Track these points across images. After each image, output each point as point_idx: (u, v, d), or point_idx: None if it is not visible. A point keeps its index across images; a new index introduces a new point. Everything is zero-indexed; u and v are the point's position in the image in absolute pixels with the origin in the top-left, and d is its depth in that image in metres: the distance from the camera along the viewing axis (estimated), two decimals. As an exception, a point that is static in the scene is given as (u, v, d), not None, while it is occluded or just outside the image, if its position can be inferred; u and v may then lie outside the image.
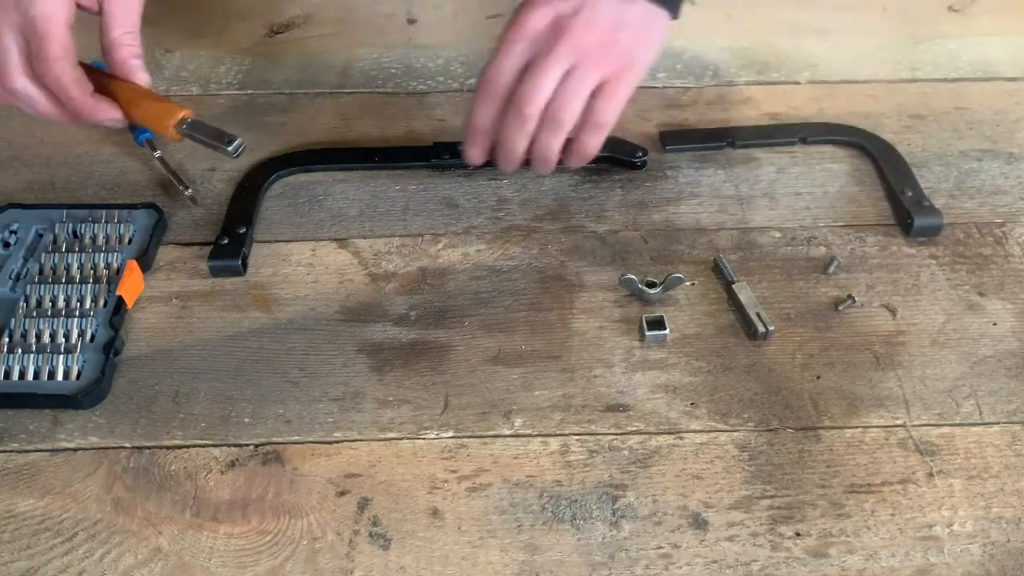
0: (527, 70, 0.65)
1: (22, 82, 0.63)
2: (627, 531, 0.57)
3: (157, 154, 0.79)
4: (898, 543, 0.56)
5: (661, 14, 0.68)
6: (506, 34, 0.66)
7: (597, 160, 0.75)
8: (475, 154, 0.70)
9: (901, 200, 0.73)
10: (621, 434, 0.61)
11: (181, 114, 0.66)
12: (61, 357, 0.63)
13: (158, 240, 0.73)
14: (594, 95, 0.65)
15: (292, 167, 0.78)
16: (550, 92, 0.64)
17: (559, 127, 0.65)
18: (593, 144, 0.68)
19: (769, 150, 0.79)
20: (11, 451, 0.61)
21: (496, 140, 0.68)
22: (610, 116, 0.66)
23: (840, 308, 0.68)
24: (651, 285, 0.68)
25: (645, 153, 0.77)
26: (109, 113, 0.65)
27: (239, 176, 0.77)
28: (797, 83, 0.86)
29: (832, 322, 0.67)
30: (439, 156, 0.77)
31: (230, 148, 0.65)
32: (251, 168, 0.78)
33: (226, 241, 0.71)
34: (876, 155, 0.78)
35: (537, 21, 0.65)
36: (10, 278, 0.69)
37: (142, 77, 0.67)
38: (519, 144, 0.67)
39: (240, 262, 0.70)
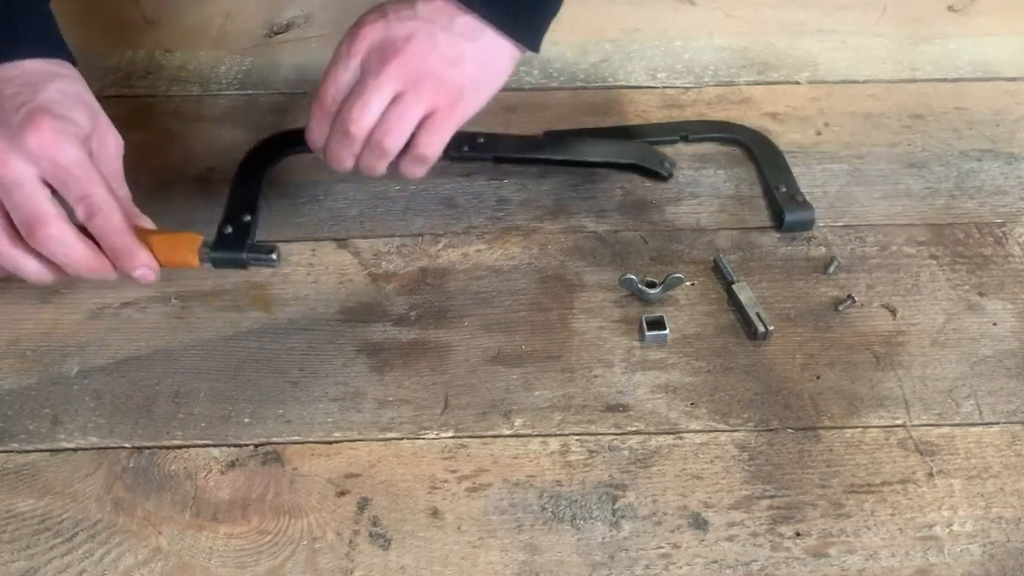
0: (354, 90, 0.63)
1: (59, 227, 0.56)
2: (627, 531, 0.57)
3: None
4: (898, 543, 0.56)
5: (508, 48, 0.65)
6: (340, 49, 0.64)
7: (623, 167, 0.75)
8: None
9: (775, 196, 0.73)
10: (621, 434, 0.61)
11: (200, 239, 0.62)
12: None
13: None
14: (420, 126, 0.64)
15: (298, 146, 0.72)
16: (376, 115, 0.63)
17: (383, 154, 0.64)
18: (416, 173, 0.67)
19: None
20: (11, 451, 0.61)
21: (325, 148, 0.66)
22: (433, 150, 0.65)
23: (840, 308, 0.68)
24: (651, 285, 0.68)
25: (673, 164, 0.76)
26: (146, 257, 0.60)
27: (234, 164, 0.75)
28: (797, 83, 0.86)
29: (832, 322, 0.67)
30: (458, 148, 0.73)
31: (273, 256, 0.63)
32: (253, 149, 0.75)
33: (230, 230, 0.67)
34: (754, 151, 0.78)
35: (370, 40, 0.63)
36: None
37: (145, 222, 0.62)
38: (345, 161, 0.66)
39: (244, 255, 0.63)
